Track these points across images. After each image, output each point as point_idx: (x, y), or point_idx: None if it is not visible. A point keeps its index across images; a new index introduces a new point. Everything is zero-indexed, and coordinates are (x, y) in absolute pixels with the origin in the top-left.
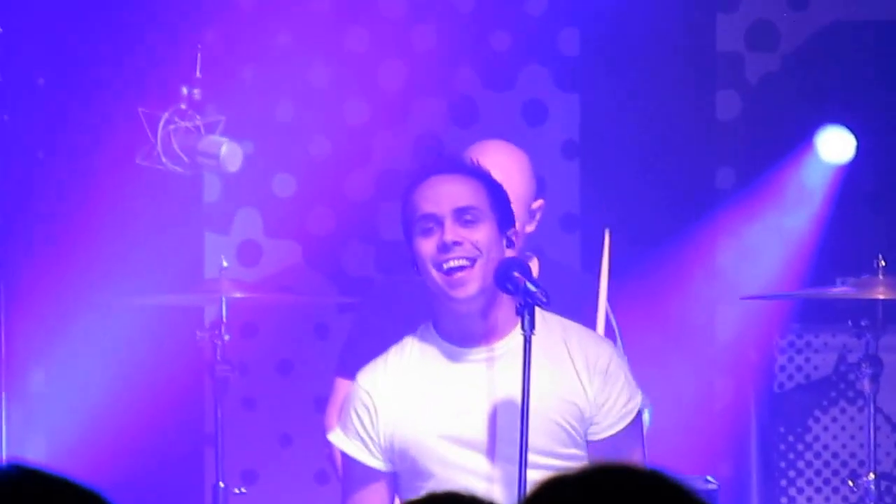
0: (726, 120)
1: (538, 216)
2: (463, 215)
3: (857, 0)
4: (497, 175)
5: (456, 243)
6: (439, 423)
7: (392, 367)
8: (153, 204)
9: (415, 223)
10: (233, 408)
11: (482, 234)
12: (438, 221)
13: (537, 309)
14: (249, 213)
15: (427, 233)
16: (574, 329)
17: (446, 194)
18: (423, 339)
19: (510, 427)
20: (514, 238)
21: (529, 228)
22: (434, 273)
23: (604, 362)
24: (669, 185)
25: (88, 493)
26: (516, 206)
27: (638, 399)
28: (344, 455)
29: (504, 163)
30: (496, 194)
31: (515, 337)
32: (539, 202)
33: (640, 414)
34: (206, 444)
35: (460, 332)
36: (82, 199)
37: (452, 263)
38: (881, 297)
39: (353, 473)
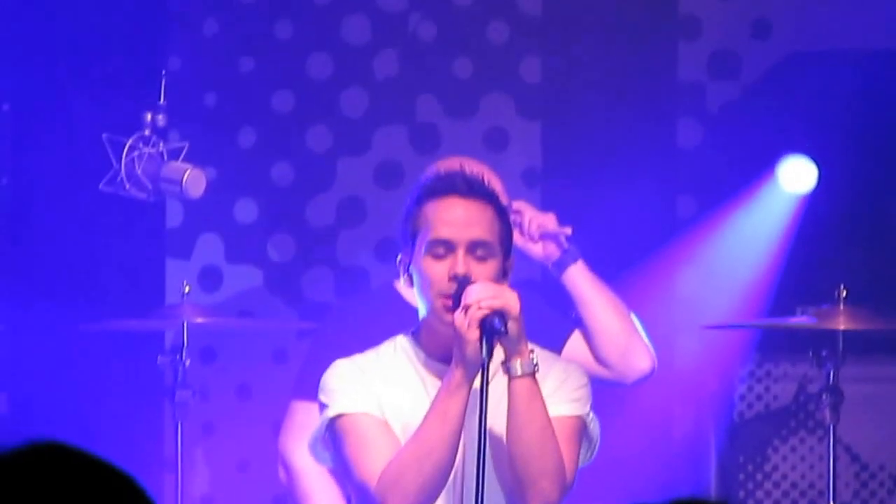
0: (687, 148)
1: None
2: (476, 249)
3: (820, 30)
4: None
5: (466, 278)
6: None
7: (369, 368)
8: (115, 229)
9: (426, 242)
10: (192, 432)
11: (490, 271)
12: (451, 248)
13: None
14: (211, 239)
15: (437, 256)
16: (542, 356)
17: (465, 222)
18: (404, 348)
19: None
20: (509, 269)
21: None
22: (436, 298)
23: (566, 376)
24: (630, 214)
25: (122, 476)
26: None
27: (586, 406)
28: (350, 422)
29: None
30: (506, 226)
31: (497, 359)
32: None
33: (584, 424)
34: (166, 470)
35: (444, 350)
36: (45, 225)
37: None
38: (842, 327)
39: (365, 431)
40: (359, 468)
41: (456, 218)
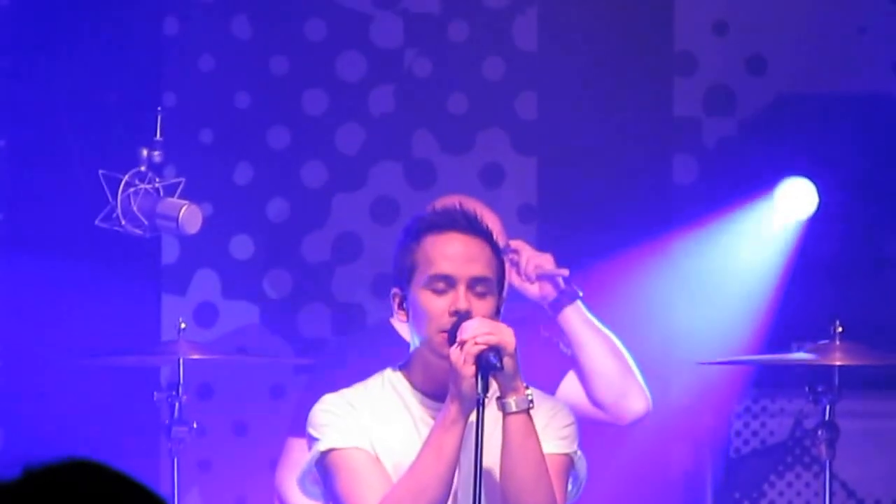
0: (683, 184)
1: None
2: (476, 286)
3: (814, 67)
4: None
5: (468, 313)
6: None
7: (359, 403)
8: (111, 265)
9: (426, 277)
10: (189, 469)
11: (489, 307)
12: (452, 283)
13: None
14: (207, 275)
15: (438, 291)
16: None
17: (465, 258)
18: (393, 383)
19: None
20: (501, 307)
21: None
22: (435, 334)
23: (554, 414)
24: (626, 250)
25: (156, 498)
26: None
27: (573, 444)
28: (341, 456)
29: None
30: (501, 264)
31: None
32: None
33: (571, 461)
34: None
35: (436, 386)
36: (41, 260)
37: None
38: (838, 363)
39: (356, 466)
40: (351, 503)
41: (457, 253)
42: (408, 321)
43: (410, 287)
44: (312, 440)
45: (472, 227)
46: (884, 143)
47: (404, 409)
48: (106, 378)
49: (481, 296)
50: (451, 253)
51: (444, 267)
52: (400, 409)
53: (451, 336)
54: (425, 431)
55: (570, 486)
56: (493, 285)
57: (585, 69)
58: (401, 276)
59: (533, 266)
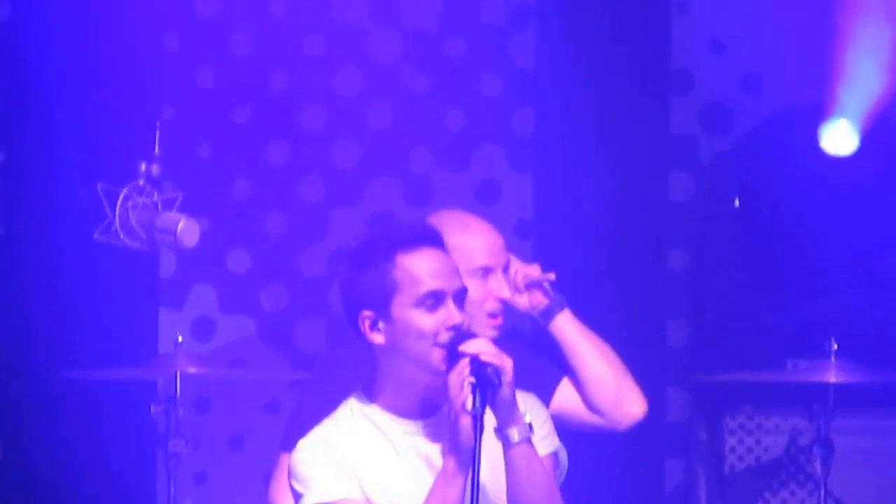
0: (679, 201)
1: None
2: (461, 296)
3: (810, 83)
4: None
5: (459, 325)
6: (392, 497)
7: (337, 443)
8: (109, 278)
9: (416, 296)
10: (185, 482)
11: (466, 317)
12: (442, 300)
13: None
14: (204, 289)
15: (431, 308)
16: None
17: (449, 273)
18: (363, 412)
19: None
20: None
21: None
22: (433, 349)
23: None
24: (622, 266)
25: None
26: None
27: (555, 438)
28: None
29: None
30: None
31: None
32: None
33: (557, 457)
34: None
35: (408, 405)
36: (39, 273)
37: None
38: (833, 380)
39: None
40: None
41: (441, 269)
42: (385, 342)
43: (392, 307)
44: (298, 496)
45: (439, 240)
46: (880, 158)
47: (381, 436)
48: (103, 390)
49: (462, 306)
50: (436, 269)
51: (433, 283)
52: (377, 437)
53: (451, 351)
54: (406, 454)
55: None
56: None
57: (583, 86)
58: (374, 297)
59: (521, 276)
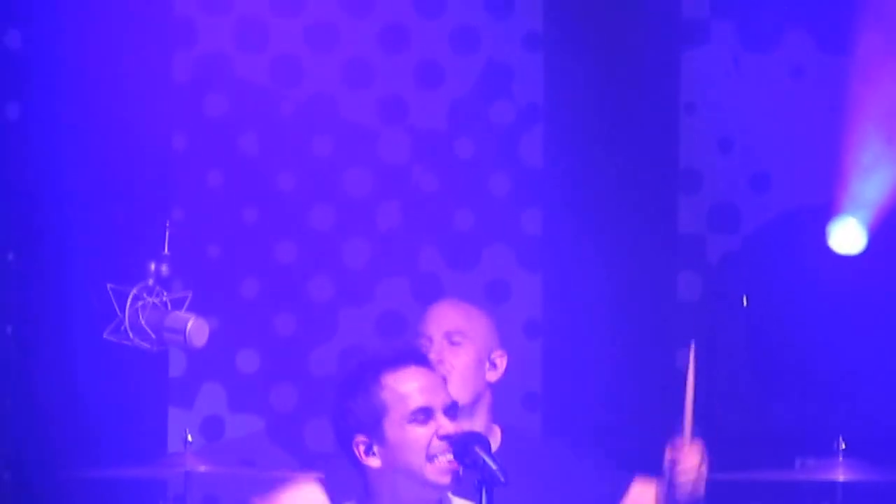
0: (688, 301)
1: (500, 366)
2: (452, 410)
3: (818, 183)
4: (460, 322)
5: (451, 434)
6: None
7: None
8: (118, 378)
9: (407, 413)
10: None
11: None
12: (431, 414)
13: None
14: (213, 388)
15: (422, 423)
16: None
17: (433, 388)
18: None
19: None
20: None
21: (491, 377)
22: (425, 463)
23: None
24: (632, 365)
25: None
26: (480, 354)
27: None
28: None
29: (467, 311)
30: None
31: None
32: (500, 353)
33: None
34: None
35: None
36: (49, 372)
37: (444, 459)
38: (841, 478)
39: None
40: None
41: (427, 385)
42: (382, 464)
43: (384, 428)
44: None
45: (424, 358)
46: (887, 257)
47: None
48: (113, 489)
49: (453, 417)
50: (422, 386)
51: (422, 400)
52: None
53: (457, 446)
54: None
55: None
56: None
57: (591, 186)
58: (366, 421)
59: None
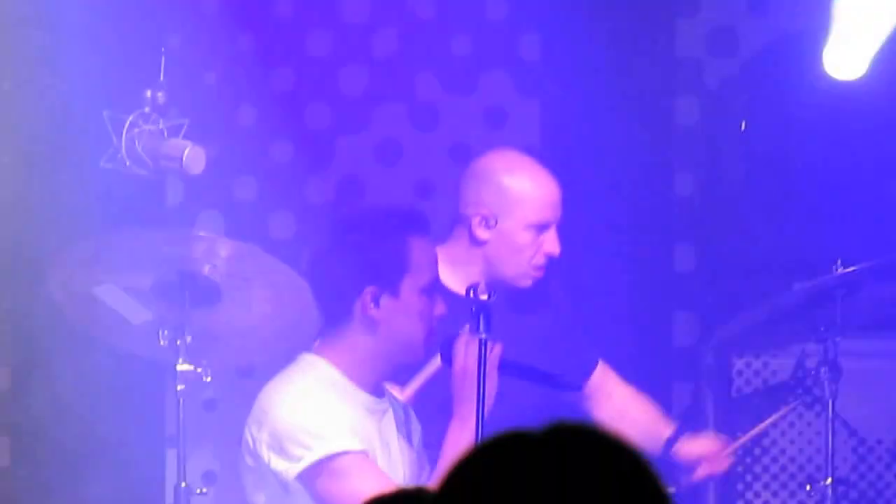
0: (686, 125)
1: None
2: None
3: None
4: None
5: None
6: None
7: (331, 398)
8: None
9: (426, 281)
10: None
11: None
12: (437, 288)
13: None
14: (212, 215)
15: (433, 296)
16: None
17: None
18: (332, 381)
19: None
20: None
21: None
22: (423, 329)
23: None
24: (629, 192)
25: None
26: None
27: None
28: (354, 459)
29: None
30: None
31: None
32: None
33: None
34: None
35: (373, 381)
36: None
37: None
38: (840, 302)
39: (366, 472)
40: None
41: (435, 261)
42: (380, 317)
43: (401, 286)
44: (296, 458)
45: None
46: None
47: (344, 403)
48: None
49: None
50: (436, 259)
51: (434, 275)
52: (343, 403)
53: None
54: (365, 425)
55: None
56: None
57: (588, 10)
58: (385, 273)
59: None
